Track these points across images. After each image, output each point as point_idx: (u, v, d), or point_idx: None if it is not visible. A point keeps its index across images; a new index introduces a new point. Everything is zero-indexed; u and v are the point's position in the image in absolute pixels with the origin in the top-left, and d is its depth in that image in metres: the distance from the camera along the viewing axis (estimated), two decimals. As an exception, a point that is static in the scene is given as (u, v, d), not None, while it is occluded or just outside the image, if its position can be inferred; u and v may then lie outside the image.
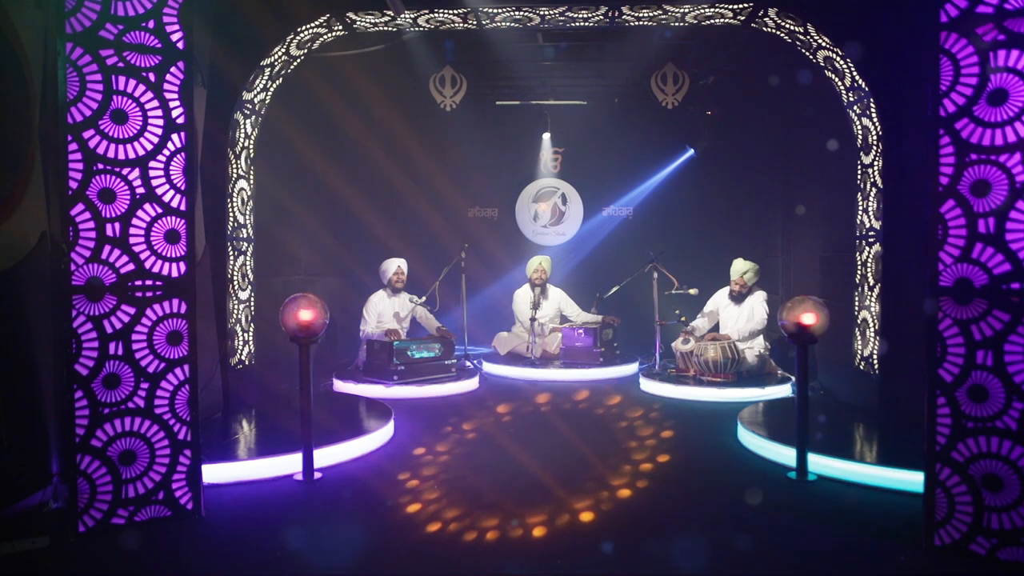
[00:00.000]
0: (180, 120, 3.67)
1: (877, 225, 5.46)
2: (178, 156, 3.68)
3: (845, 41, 5.39)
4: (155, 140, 3.62)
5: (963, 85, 3.23)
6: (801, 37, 5.77)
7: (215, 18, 5.38)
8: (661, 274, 7.59)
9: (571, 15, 5.98)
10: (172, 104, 3.65)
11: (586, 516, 3.77)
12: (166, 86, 3.63)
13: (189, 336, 3.71)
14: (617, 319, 8.07)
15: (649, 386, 6.88)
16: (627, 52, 7.67)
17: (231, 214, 5.73)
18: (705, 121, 9.15)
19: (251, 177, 6.13)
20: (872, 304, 5.57)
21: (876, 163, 5.47)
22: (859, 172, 5.80)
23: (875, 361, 5.51)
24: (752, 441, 4.91)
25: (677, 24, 6.13)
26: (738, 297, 7.20)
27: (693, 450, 5.03)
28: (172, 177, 3.67)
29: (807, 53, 5.91)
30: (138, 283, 3.60)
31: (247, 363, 6.06)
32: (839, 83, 5.77)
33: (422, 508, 3.88)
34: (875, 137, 5.47)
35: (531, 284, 8.24)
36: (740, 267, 7.19)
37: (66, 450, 3.51)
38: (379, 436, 5.06)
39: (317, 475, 4.36)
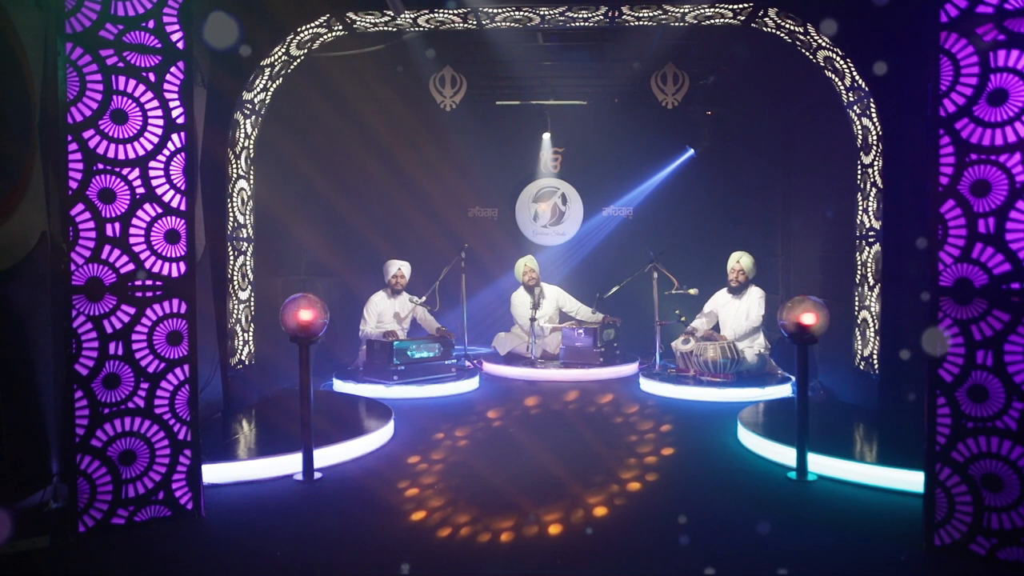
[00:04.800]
0: (180, 120, 3.67)
1: (877, 225, 5.46)
2: (178, 156, 3.68)
3: (845, 41, 5.39)
4: (155, 140, 3.62)
5: (963, 85, 3.23)
6: (801, 37, 5.77)
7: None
8: (661, 274, 7.59)
9: (571, 15, 5.98)
10: (172, 104, 3.65)
11: (594, 512, 3.77)
12: (166, 86, 3.63)
13: (189, 336, 3.71)
14: (618, 319, 8.07)
15: (649, 386, 6.88)
16: (627, 52, 7.66)
17: (231, 214, 5.73)
18: (705, 121, 9.14)
19: (251, 177, 6.13)
20: (872, 304, 5.57)
21: (876, 163, 5.47)
22: (859, 172, 5.80)
23: (875, 361, 5.51)
24: (752, 441, 4.91)
25: (677, 24, 6.13)
26: (737, 289, 7.19)
27: (693, 450, 5.03)
28: (172, 177, 3.67)
29: (807, 53, 5.91)
30: (138, 283, 3.60)
31: (247, 363, 6.06)
32: (839, 83, 5.77)
33: (423, 508, 3.88)
34: (875, 137, 5.47)
35: (525, 287, 8.23)
36: (735, 256, 7.25)
37: (66, 450, 3.51)
38: (379, 436, 5.06)
39: (317, 475, 4.36)
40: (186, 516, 3.71)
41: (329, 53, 6.66)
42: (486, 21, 6.15)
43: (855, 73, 5.44)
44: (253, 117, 6.04)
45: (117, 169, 3.55)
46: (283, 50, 5.87)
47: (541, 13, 5.94)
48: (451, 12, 5.89)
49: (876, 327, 5.49)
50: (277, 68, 6.01)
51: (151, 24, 3.58)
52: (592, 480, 4.30)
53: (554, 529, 3.60)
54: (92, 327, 3.51)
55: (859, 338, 5.83)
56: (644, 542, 3.52)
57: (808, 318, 4.27)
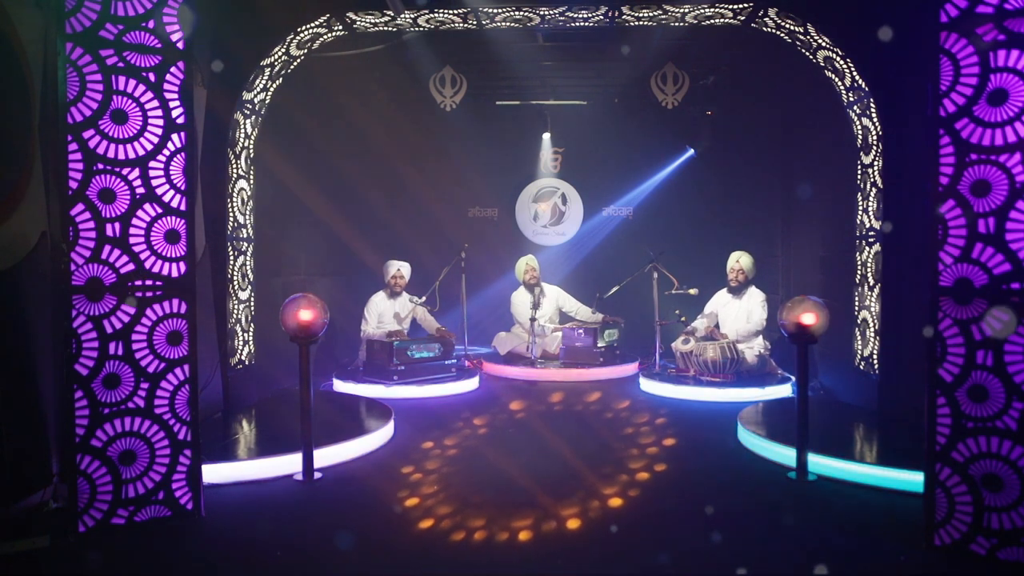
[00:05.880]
0: (180, 120, 3.67)
1: (877, 225, 5.46)
2: (178, 156, 3.68)
3: (845, 41, 5.39)
4: (155, 140, 3.62)
5: (963, 85, 3.23)
6: (801, 37, 5.77)
7: (215, 18, 5.37)
8: (661, 274, 7.59)
9: (571, 15, 5.98)
10: (172, 104, 3.65)
11: (575, 523, 3.77)
12: (166, 86, 3.63)
13: (189, 336, 3.71)
14: (621, 319, 8.06)
15: (649, 386, 6.88)
16: (627, 52, 7.65)
17: (231, 214, 5.73)
18: (705, 121, 9.15)
19: (251, 177, 6.13)
20: (872, 304, 5.57)
21: (876, 163, 5.47)
22: (859, 172, 5.80)
23: (875, 361, 5.51)
24: (752, 441, 4.91)
25: (677, 24, 6.13)
26: (737, 289, 7.19)
27: (693, 450, 5.03)
28: (172, 177, 3.67)
29: (807, 53, 5.91)
30: (138, 283, 3.60)
31: (247, 363, 6.06)
32: (839, 83, 5.77)
33: (424, 508, 3.88)
34: (875, 137, 5.47)
35: (526, 286, 8.24)
36: (735, 255, 7.26)
37: (66, 450, 3.51)
38: (379, 436, 5.06)
39: (317, 475, 4.36)
40: (186, 516, 3.71)
41: (329, 53, 6.66)
42: (486, 21, 6.15)
43: (855, 73, 5.45)
44: (253, 117, 6.04)
45: (117, 169, 3.55)
46: (283, 50, 5.87)
47: (541, 13, 5.94)
48: (451, 12, 5.89)
49: (876, 327, 5.49)
50: (277, 68, 6.01)
51: (151, 24, 3.58)
52: (588, 482, 4.29)
53: (547, 530, 3.60)
54: (92, 327, 3.51)
55: (859, 338, 5.83)
56: (643, 542, 3.51)
57: (808, 318, 4.27)
